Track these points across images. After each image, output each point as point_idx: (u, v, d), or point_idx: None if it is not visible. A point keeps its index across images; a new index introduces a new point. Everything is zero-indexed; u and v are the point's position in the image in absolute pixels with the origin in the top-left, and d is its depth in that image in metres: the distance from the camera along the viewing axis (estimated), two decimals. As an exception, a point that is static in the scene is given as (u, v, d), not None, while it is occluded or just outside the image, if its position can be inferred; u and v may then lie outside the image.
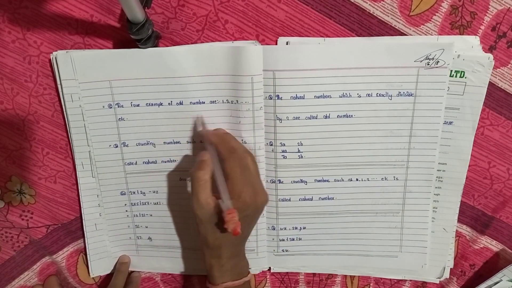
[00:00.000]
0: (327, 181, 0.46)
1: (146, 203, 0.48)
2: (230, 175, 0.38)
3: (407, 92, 0.42)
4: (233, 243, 0.41)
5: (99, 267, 0.50)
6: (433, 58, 0.41)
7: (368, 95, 0.42)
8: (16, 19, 0.42)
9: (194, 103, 0.43)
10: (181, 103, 0.43)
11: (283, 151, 0.44)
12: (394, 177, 0.45)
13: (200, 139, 0.45)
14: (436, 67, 0.41)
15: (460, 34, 0.42)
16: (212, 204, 0.39)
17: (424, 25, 0.42)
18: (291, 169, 0.45)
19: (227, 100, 0.43)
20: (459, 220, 0.48)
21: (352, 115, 0.43)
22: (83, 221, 0.48)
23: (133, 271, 0.51)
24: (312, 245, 0.49)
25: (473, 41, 0.42)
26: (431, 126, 0.43)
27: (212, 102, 0.43)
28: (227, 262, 0.42)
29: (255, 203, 0.39)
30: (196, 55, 0.42)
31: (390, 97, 0.42)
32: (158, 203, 0.48)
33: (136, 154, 0.46)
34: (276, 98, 0.42)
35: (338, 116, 0.43)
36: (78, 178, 0.46)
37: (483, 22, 0.42)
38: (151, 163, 0.46)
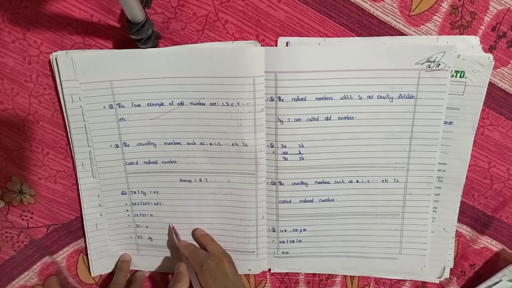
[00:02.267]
0: (328, 183, 0.46)
1: (147, 203, 0.48)
2: (203, 286, 0.42)
3: (408, 94, 0.42)
4: None
5: (100, 266, 0.50)
6: (434, 61, 0.41)
7: (369, 97, 0.42)
8: (16, 19, 0.42)
9: (194, 104, 0.43)
10: (182, 104, 0.43)
11: (284, 153, 0.44)
12: (394, 179, 0.45)
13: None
14: (437, 70, 0.41)
15: (460, 34, 0.42)
16: None
17: (424, 25, 0.42)
18: (291, 171, 0.45)
19: (227, 102, 0.42)
20: (459, 220, 0.48)
21: (353, 117, 0.43)
22: (84, 221, 0.48)
23: (137, 270, 0.51)
24: (312, 247, 0.49)
25: (473, 41, 0.42)
26: (432, 128, 0.43)
27: (212, 104, 0.43)
28: None
29: None
30: (197, 55, 0.42)
31: (391, 99, 0.42)
32: (159, 203, 0.48)
33: (137, 154, 0.46)
34: (278, 99, 0.42)
35: (339, 118, 0.43)
36: (78, 178, 0.46)
37: (483, 22, 0.42)
38: (151, 163, 0.46)
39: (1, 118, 0.44)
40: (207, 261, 0.43)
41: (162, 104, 0.43)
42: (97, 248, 0.49)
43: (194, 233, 0.48)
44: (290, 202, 0.47)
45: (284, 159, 0.45)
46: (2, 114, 0.44)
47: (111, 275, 0.51)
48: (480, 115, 0.44)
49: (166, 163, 0.46)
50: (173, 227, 0.48)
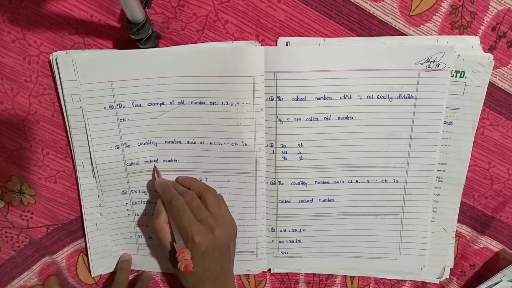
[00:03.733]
0: (327, 183, 0.46)
1: (148, 202, 0.48)
2: (175, 220, 0.41)
3: (408, 94, 0.42)
4: (210, 282, 0.41)
5: (100, 266, 0.50)
6: (434, 61, 0.41)
7: (369, 97, 0.42)
8: (16, 19, 0.42)
9: (195, 103, 0.43)
10: (182, 103, 0.43)
11: (283, 153, 0.44)
12: (394, 179, 0.45)
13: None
14: (437, 70, 0.41)
15: (460, 34, 0.42)
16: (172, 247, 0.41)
17: (424, 25, 0.42)
18: (291, 171, 0.45)
19: (226, 102, 0.42)
20: (459, 220, 0.48)
21: (352, 117, 0.43)
22: (84, 221, 0.48)
23: (143, 271, 0.51)
24: (312, 247, 0.49)
25: (473, 41, 0.42)
26: (432, 128, 0.43)
27: (212, 103, 0.43)
28: None
29: (207, 240, 0.39)
30: (197, 55, 0.42)
31: (390, 99, 0.42)
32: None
33: (138, 154, 0.46)
34: (277, 99, 0.42)
35: (338, 118, 0.43)
36: (78, 178, 0.46)
37: (483, 22, 0.42)
38: (152, 162, 0.46)
39: (1, 118, 0.44)
40: (175, 198, 0.41)
41: (162, 103, 0.43)
42: (97, 248, 0.49)
43: (177, 180, 0.46)
44: (289, 202, 0.47)
45: (284, 158, 0.45)
46: (2, 114, 0.44)
47: (111, 275, 0.51)
48: (480, 115, 0.44)
49: (166, 162, 0.46)
50: (155, 166, 0.46)
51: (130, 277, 0.51)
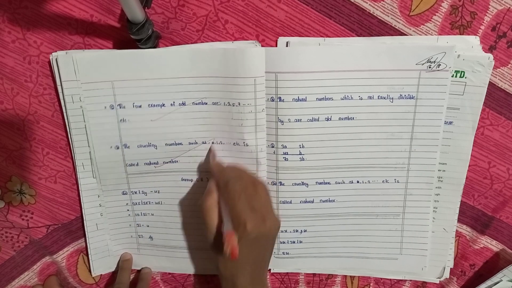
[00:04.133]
0: (328, 183, 0.46)
1: (148, 203, 0.48)
2: (228, 204, 0.39)
3: (409, 95, 0.42)
4: (247, 272, 0.40)
5: (101, 266, 0.50)
6: (434, 61, 0.41)
7: (370, 97, 0.42)
8: (16, 19, 0.42)
9: (196, 104, 0.43)
10: (183, 104, 0.43)
11: (284, 153, 0.44)
12: (395, 179, 0.45)
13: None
14: (438, 70, 0.41)
15: (460, 34, 0.42)
16: (216, 229, 0.40)
17: (424, 25, 0.42)
18: (292, 171, 0.45)
19: (228, 102, 0.42)
20: (459, 220, 0.48)
21: (353, 118, 0.43)
22: (84, 221, 0.48)
23: (144, 267, 0.51)
24: (313, 248, 0.49)
25: (473, 41, 0.42)
26: (432, 129, 0.43)
27: (214, 103, 0.43)
28: None
29: (258, 230, 0.38)
30: (198, 56, 0.41)
31: (391, 100, 0.42)
32: (160, 203, 0.48)
33: (138, 155, 0.45)
34: (278, 100, 0.42)
35: (339, 119, 0.43)
36: (78, 179, 0.46)
37: (483, 22, 0.42)
38: (152, 164, 0.46)
39: (1, 118, 0.44)
40: (233, 180, 0.40)
41: (163, 105, 0.43)
42: (98, 248, 0.49)
43: (214, 164, 0.44)
44: (290, 202, 0.47)
45: (285, 159, 0.45)
46: (2, 114, 0.44)
47: (112, 275, 0.51)
48: (480, 115, 0.44)
49: (167, 163, 0.46)
50: (212, 148, 0.45)
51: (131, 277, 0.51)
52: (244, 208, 0.38)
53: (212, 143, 0.45)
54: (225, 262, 0.40)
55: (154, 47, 0.42)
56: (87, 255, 0.49)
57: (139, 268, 0.52)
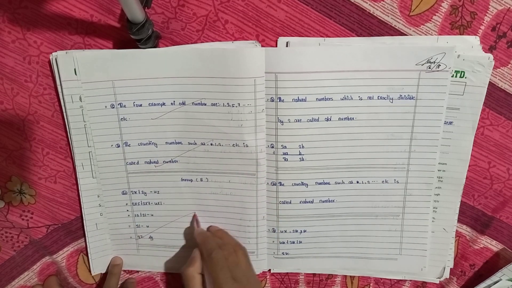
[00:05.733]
0: (328, 183, 0.46)
1: (147, 203, 0.48)
2: (211, 275, 0.41)
3: (408, 95, 0.42)
4: None
5: (100, 265, 0.50)
6: (434, 62, 0.41)
7: (370, 98, 0.42)
8: (16, 19, 0.42)
9: (196, 104, 0.43)
10: (183, 103, 0.43)
11: (284, 154, 0.44)
12: (394, 180, 0.45)
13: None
14: (438, 71, 0.41)
15: (460, 34, 0.42)
16: None
17: (424, 25, 0.42)
18: (292, 172, 0.45)
19: (228, 103, 0.42)
20: (459, 220, 0.48)
21: (353, 118, 0.43)
22: (84, 221, 0.48)
23: (129, 277, 0.52)
24: (313, 248, 0.49)
25: (473, 41, 0.42)
26: (432, 129, 0.43)
27: (213, 104, 0.43)
28: None
29: None
30: (198, 56, 0.41)
31: (391, 100, 0.42)
32: (160, 203, 0.48)
33: (138, 154, 0.46)
34: (278, 100, 0.42)
35: (339, 119, 0.43)
36: (78, 179, 0.46)
37: (483, 22, 0.42)
38: (152, 163, 0.46)
39: (1, 118, 0.44)
40: (217, 249, 0.42)
41: (163, 104, 0.43)
42: (97, 247, 0.49)
43: (208, 229, 0.48)
44: (290, 202, 0.47)
45: (285, 159, 0.45)
46: (2, 114, 0.44)
47: (103, 276, 0.51)
48: (480, 115, 0.44)
49: (167, 162, 0.46)
50: (195, 215, 0.48)
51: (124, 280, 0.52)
52: (226, 279, 0.40)
53: (211, 144, 0.45)
54: None
55: (154, 47, 0.42)
56: (87, 255, 0.49)
57: (139, 269, 0.51)
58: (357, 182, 0.46)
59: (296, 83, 0.42)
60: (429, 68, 0.41)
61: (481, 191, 0.48)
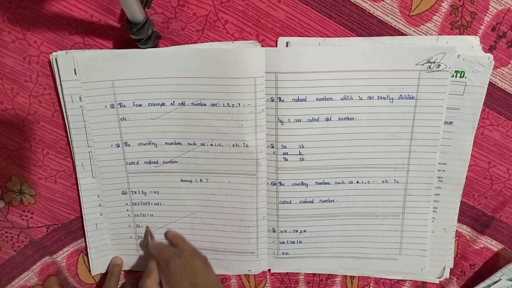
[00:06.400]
0: (328, 183, 0.46)
1: (147, 203, 0.48)
2: (170, 285, 0.41)
3: (408, 95, 0.42)
4: None
5: (100, 265, 0.50)
6: (434, 62, 0.41)
7: (370, 98, 0.42)
8: (16, 19, 0.42)
9: (196, 104, 0.43)
10: (183, 104, 0.43)
11: (284, 154, 0.44)
12: (394, 180, 0.45)
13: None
14: (438, 71, 0.41)
15: (460, 34, 0.42)
16: None
17: (424, 25, 0.42)
18: (292, 172, 0.45)
19: (228, 103, 0.42)
20: (459, 220, 0.48)
21: (353, 118, 0.43)
22: (84, 221, 0.48)
23: (130, 278, 0.52)
24: (313, 248, 0.49)
25: (473, 41, 0.42)
26: (432, 129, 0.43)
27: (213, 104, 0.43)
28: None
29: None
30: (198, 56, 0.41)
31: (391, 100, 0.42)
32: (159, 203, 0.48)
33: (138, 154, 0.46)
34: (278, 100, 0.42)
35: (339, 119, 0.43)
36: (78, 179, 0.46)
37: (483, 22, 0.42)
38: (152, 163, 0.46)
39: (1, 118, 0.44)
40: (174, 258, 0.42)
41: (163, 104, 0.43)
42: (97, 247, 0.49)
43: (166, 234, 0.48)
44: (290, 202, 0.47)
45: (285, 159, 0.45)
46: (2, 114, 0.44)
47: (103, 276, 0.51)
48: (480, 115, 0.44)
49: (166, 163, 0.46)
50: (148, 230, 0.48)
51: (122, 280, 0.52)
52: (186, 287, 0.40)
53: (211, 144, 0.45)
54: None
55: (154, 47, 0.42)
56: (87, 255, 0.49)
57: (138, 269, 0.51)
58: (357, 182, 0.46)
59: (296, 83, 0.42)
60: (429, 68, 0.41)
61: (481, 191, 0.48)
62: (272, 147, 0.44)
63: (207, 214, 0.48)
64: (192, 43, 0.43)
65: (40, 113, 0.45)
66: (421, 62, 0.41)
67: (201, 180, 0.46)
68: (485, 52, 0.42)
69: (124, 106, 0.44)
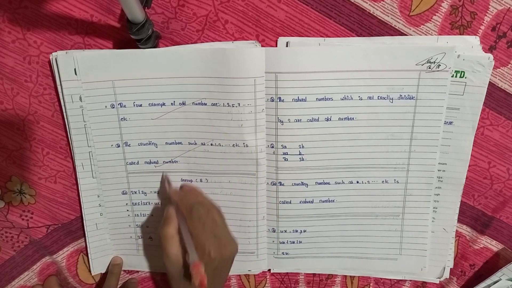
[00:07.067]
0: (328, 183, 0.46)
1: (147, 203, 0.48)
2: (192, 232, 0.39)
3: (408, 95, 0.42)
4: None
5: (100, 265, 0.50)
6: (434, 62, 0.41)
7: (370, 98, 0.42)
8: (16, 19, 0.42)
9: (196, 104, 0.43)
10: (183, 104, 0.43)
11: (284, 154, 0.44)
12: (394, 180, 0.45)
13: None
14: (438, 71, 0.41)
15: (460, 34, 0.42)
16: (181, 258, 0.40)
17: (424, 25, 0.42)
18: (292, 172, 0.45)
19: (228, 103, 0.42)
20: (459, 220, 0.48)
21: (353, 118, 0.43)
22: (84, 221, 0.48)
23: (130, 277, 0.52)
24: (312, 248, 0.49)
25: (473, 41, 0.42)
26: (432, 129, 0.43)
27: (213, 104, 0.43)
28: None
29: (221, 255, 0.39)
30: (198, 56, 0.41)
31: (391, 100, 0.42)
32: (160, 203, 0.48)
33: (138, 154, 0.46)
34: (278, 100, 0.42)
35: (339, 119, 0.43)
36: (78, 179, 0.46)
37: (483, 22, 0.42)
38: (152, 163, 0.46)
39: (1, 118, 0.44)
40: (197, 206, 0.41)
41: (163, 104, 0.43)
42: (97, 247, 0.49)
43: (182, 187, 0.46)
44: (290, 202, 0.47)
45: (284, 159, 0.45)
46: (2, 114, 0.44)
47: (103, 276, 0.51)
48: (480, 115, 0.44)
49: (167, 163, 0.46)
50: (166, 176, 0.46)
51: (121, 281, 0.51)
52: (207, 236, 0.39)
53: (211, 144, 0.45)
54: None
55: (154, 47, 0.42)
56: (87, 255, 0.49)
57: (138, 269, 0.52)
58: (357, 182, 0.46)
59: (296, 83, 0.42)
60: (429, 68, 0.41)
61: (481, 191, 0.48)
62: (272, 147, 0.44)
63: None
64: (192, 43, 0.43)
65: (40, 113, 0.45)
66: (421, 62, 0.41)
67: (201, 180, 0.46)
68: (485, 52, 0.42)
69: (125, 106, 0.44)
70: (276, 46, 0.43)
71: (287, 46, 0.43)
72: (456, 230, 0.48)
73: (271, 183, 0.46)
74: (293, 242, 0.48)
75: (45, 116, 0.45)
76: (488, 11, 0.42)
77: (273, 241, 0.49)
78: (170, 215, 0.41)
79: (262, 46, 0.43)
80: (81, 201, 0.47)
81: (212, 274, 0.39)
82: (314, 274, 0.52)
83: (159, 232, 0.41)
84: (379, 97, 0.42)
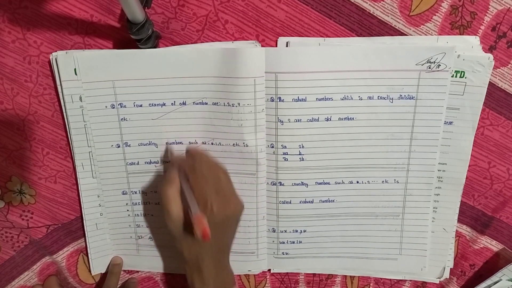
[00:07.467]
0: (328, 183, 0.46)
1: (148, 203, 0.48)
2: (194, 188, 0.39)
3: (408, 95, 0.42)
4: (211, 254, 0.40)
5: (100, 265, 0.50)
6: (434, 62, 0.41)
7: (370, 98, 0.42)
8: (16, 19, 0.42)
9: (197, 104, 0.43)
10: (184, 103, 0.43)
11: (284, 154, 0.44)
12: (394, 180, 0.45)
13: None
14: (438, 71, 0.41)
15: (460, 34, 0.42)
16: (182, 216, 0.39)
17: (424, 25, 0.42)
18: (292, 172, 0.45)
19: (228, 103, 0.42)
20: (459, 220, 0.48)
21: (353, 118, 0.43)
22: (84, 221, 0.48)
23: (130, 277, 0.52)
24: (312, 248, 0.49)
25: (473, 41, 0.42)
26: (432, 129, 0.43)
27: (214, 103, 0.43)
28: (208, 275, 0.40)
29: (224, 212, 0.39)
30: (198, 56, 0.41)
31: (391, 100, 0.42)
32: (160, 203, 0.48)
33: (138, 154, 0.46)
34: (278, 100, 0.42)
35: (339, 119, 0.43)
36: (78, 179, 0.46)
37: (483, 22, 0.42)
38: (153, 163, 0.46)
39: (1, 118, 0.44)
40: (201, 164, 0.40)
41: (164, 104, 0.43)
42: (97, 247, 0.49)
43: (188, 150, 0.45)
44: (290, 202, 0.47)
45: (284, 159, 0.45)
46: (2, 114, 0.44)
47: (103, 276, 0.51)
48: (480, 115, 0.44)
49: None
50: (169, 146, 0.45)
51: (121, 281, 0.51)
52: (210, 191, 0.38)
53: (212, 144, 0.45)
54: (189, 247, 0.40)
55: (154, 47, 0.42)
56: (87, 255, 0.49)
57: (138, 269, 0.52)
58: (357, 182, 0.46)
59: (296, 83, 0.42)
60: (429, 68, 0.41)
61: (481, 191, 0.48)
62: (272, 147, 0.44)
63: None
64: (192, 43, 0.43)
65: (40, 113, 0.45)
66: (421, 62, 0.41)
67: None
68: (485, 52, 0.42)
69: (125, 106, 0.44)
70: (276, 46, 0.43)
71: (287, 46, 0.43)
72: (456, 230, 0.48)
73: (271, 183, 0.46)
74: (293, 242, 0.48)
75: (45, 116, 0.45)
76: (488, 11, 0.42)
77: (273, 241, 0.49)
78: (171, 176, 0.40)
79: (262, 46, 0.43)
80: (81, 201, 0.47)
81: (214, 232, 0.36)
82: (314, 274, 0.52)
83: (160, 191, 0.40)
84: (379, 97, 0.42)
